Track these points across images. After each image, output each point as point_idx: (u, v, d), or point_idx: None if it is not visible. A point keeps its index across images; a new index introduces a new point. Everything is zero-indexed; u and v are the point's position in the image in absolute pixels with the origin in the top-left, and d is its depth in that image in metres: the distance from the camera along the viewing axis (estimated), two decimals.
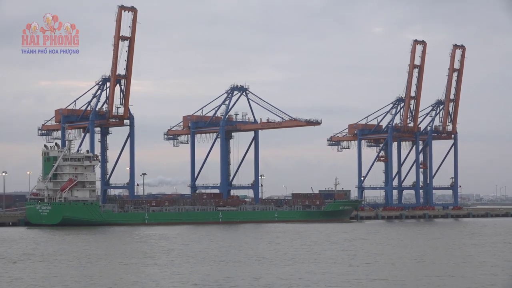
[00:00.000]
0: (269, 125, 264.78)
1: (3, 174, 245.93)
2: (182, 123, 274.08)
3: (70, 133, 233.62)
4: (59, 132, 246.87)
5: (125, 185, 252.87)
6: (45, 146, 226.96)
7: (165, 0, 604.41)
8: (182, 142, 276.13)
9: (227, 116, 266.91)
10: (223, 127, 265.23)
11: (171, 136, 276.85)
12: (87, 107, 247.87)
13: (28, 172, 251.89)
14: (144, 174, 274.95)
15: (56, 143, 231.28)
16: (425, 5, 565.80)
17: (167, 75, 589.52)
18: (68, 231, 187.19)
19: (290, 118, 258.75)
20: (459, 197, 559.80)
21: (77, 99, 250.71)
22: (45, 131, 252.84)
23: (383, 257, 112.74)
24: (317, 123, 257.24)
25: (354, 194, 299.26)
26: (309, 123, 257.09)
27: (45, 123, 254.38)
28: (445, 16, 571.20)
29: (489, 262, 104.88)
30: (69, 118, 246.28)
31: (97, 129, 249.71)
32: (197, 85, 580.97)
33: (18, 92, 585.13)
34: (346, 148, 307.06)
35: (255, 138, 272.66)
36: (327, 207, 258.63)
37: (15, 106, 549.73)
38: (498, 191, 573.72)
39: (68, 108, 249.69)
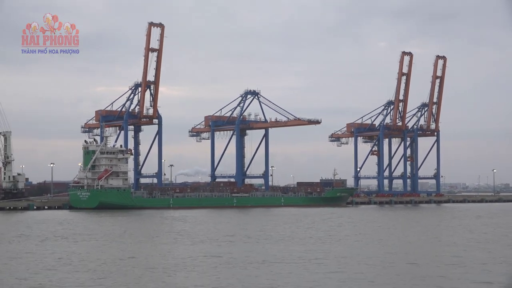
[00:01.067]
0: (277, 123, 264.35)
1: (51, 165, 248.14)
2: (204, 122, 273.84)
3: (106, 130, 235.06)
4: (99, 129, 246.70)
5: (154, 174, 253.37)
6: (85, 141, 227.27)
7: (204, 18, 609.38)
8: (204, 138, 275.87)
9: (241, 116, 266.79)
10: (238, 125, 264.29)
11: (194, 133, 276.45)
12: (122, 108, 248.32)
13: (79, 163, 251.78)
14: (171, 165, 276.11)
15: (94, 139, 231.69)
16: (421, 24, 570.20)
17: (198, 82, 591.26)
18: (102, 214, 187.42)
19: (295, 118, 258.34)
20: (449, 185, 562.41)
21: (113, 101, 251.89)
22: (87, 129, 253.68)
23: (354, 236, 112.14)
24: (318, 122, 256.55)
25: (351, 183, 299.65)
26: (310, 122, 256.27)
27: (87, 122, 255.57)
28: (436, 32, 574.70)
29: (447, 241, 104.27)
30: (106, 118, 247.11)
31: (131, 127, 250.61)
32: (224, 90, 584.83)
33: (79, 96, 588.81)
34: (344, 144, 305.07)
35: (266, 135, 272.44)
36: (326, 194, 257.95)
37: (76, 108, 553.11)
38: (481, 181, 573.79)
39: (106, 109, 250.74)
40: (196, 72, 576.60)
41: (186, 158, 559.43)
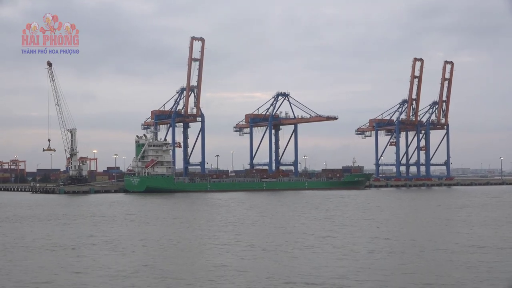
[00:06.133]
0: (302, 120, 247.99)
1: (115, 156, 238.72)
2: (244, 119, 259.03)
3: (153, 127, 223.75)
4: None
5: (199, 163, 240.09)
6: (136, 136, 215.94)
7: (292, 36, 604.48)
8: (245, 133, 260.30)
9: (273, 114, 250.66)
10: (271, 122, 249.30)
11: (237, 129, 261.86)
12: (171, 108, 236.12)
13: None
14: (217, 156, 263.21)
15: (144, 134, 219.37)
16: (470, 37, 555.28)
17: (286, 88, 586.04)
18: (147, 196, 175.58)
19: (316, 115, 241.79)
20: (487, 170, 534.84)
21: (165, 103, 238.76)
22: (146, 126, 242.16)
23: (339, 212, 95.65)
24: (335, 118, 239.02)
25: (373, 170, 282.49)
26: (328, 118, 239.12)
27: (145, 120, 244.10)
28: (480, 44, 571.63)
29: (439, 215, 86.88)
30: (159, 117, 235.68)
31: (180, 123, 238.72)
32: (308, 95, 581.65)
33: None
34: (368, 136, 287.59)
35: (295, 130, 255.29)
36: (345, 178, 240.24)
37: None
38: (484, 167, 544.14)
39: (159, 109, 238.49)
40: (285, 80, 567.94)
41: (231, 149, 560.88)
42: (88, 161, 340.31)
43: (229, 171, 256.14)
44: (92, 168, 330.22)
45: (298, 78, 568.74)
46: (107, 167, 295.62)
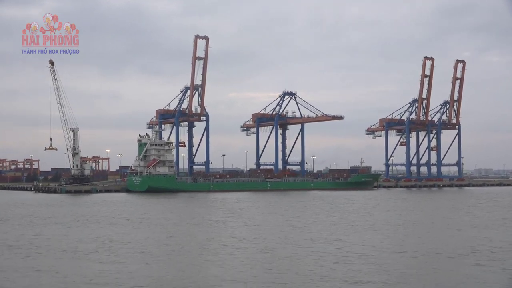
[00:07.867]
0: (308, 119, 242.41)
1: (119, 155, 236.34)
2: (251, 119, 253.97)
3: (157, 126, 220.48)
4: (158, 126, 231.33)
5: (203, 163, 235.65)
6: (139, 135, 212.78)
7: (316, 36, 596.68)
8: (252, 133, 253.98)
9: (280, 113, 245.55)
10: (277, 121, 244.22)
11: (245, 128, 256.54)
12: (176, 107, 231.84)
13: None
14: (224, 155, 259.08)
15: (146, 133, 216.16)
16: (499, 36, 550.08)
17: (310, 88, 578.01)
18: (147, 196, 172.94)
19: (322, 114, 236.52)
20: (510, 172, 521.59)
21: (170, 102, 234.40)
22: (151, 125, 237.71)
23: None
24: (341, 117, 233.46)
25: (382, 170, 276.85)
26: (334, 117, 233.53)
27: (151, 119, 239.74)
28: (507, 44, 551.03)
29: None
30: (164, 116, 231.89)
31: (185, 123, 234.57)
32: (333, 95, 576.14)
33: (217, 100, 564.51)
34: (378, 136, 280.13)
35: (302, 130, 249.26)
36: (352, 179, 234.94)
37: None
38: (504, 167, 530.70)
39: (164, 108, 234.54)
40: (310, 80, 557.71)
41: (235, 148, 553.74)
42: (100, 161, 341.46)
43: (244, 171, 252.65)
44: (105, 168, 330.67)
45: (322, 79, 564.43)
46: (120, 166, 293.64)
